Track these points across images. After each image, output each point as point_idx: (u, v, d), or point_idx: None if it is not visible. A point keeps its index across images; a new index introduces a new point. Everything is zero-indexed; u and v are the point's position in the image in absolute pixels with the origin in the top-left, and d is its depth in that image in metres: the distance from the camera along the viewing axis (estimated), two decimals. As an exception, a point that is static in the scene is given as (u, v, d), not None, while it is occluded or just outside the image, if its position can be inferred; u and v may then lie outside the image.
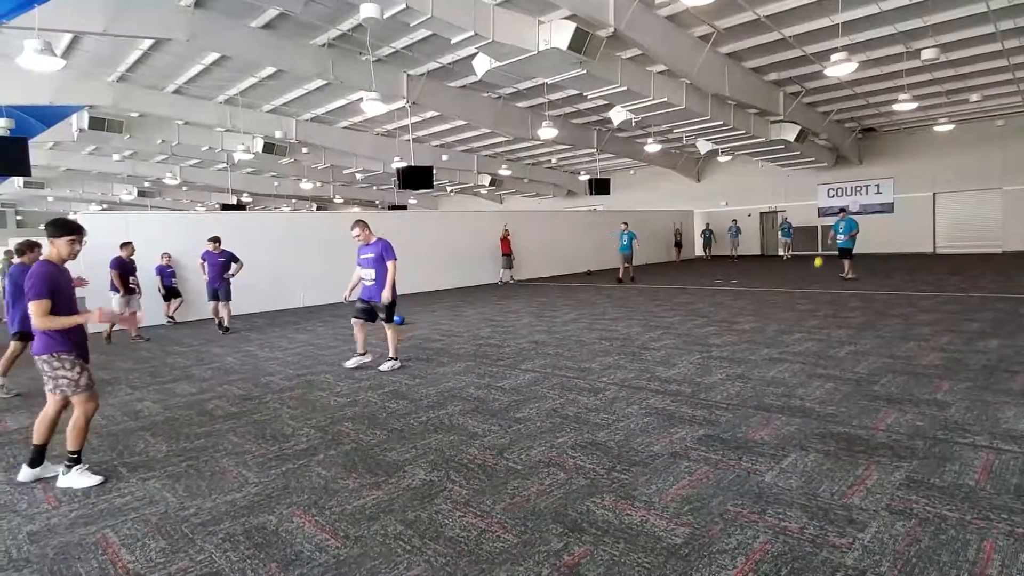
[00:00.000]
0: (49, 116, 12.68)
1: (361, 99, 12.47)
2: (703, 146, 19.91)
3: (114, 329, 9.53)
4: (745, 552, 2.48)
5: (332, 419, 4.67)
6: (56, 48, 10.00)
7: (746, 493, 3.01)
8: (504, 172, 26.03)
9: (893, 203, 21.93)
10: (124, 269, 9.19)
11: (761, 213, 25.60)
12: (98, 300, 8.52)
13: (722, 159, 22.62)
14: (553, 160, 26.91)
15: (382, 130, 19.58)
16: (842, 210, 15.02)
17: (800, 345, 6.54)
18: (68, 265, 3.62)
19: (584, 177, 27.38)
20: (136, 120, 16.14)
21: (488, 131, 18.94)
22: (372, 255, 6.22)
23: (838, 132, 20.25)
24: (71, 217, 3.81)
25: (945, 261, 17.63)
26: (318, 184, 28.57)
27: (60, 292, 3.42)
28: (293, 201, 35.74)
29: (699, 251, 25.76)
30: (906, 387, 4.73)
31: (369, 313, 6.37)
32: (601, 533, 2.69)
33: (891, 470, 3.19)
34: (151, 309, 10.59)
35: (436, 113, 16.37)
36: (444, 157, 22.87)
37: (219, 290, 9.68)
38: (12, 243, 18.63)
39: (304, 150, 20.87)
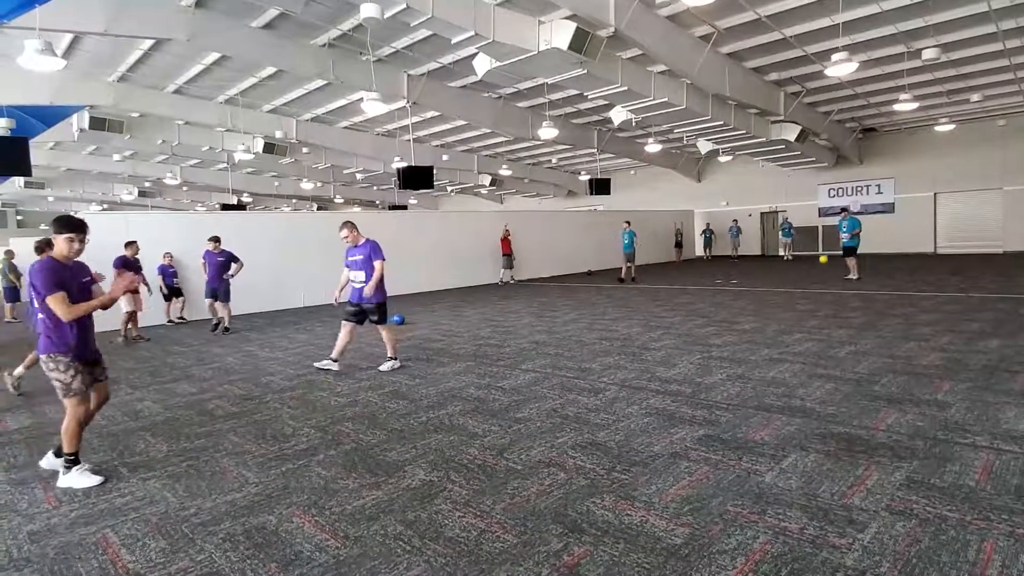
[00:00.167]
0: (50, 116, 12.69)
1: (361, 99, 12.47)
2: (704, 146, 19.90)
3: (128, 329, 9.55)
4: (745, 552, 2.48)
5: (332, 419, 4.67)
6: (57, 48, 10.00)
7: (746, 493, 3.01)
8: (504, 172, 26.03)
9: (894, 203, 21.92)
10: (128, 268, 9.20)
11: (762, 213, 25.59)
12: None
13: (723, 159, 22.61)
14: (553, 160, 26.91)
15: (382, 130, 19.59)
16: (844, 209, 14.99)
17: (800, 345, 6.53)
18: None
19: (584, 177, 27.38)
20: (136, 120, 16.14)
21: (488, 131, 18.94)
22: (361, 256, 6.13)
23: (839, 132, 20.24)
24: (76, 215, 3.76)
25: (946, 261, 17.61)
26: (318, 184, 28.58)
27: (67, 287, 3.38)
28: (293, 201, 35.76)
29: (699, 251, 25.76)
30: (906, 387, 4.73)
31: (359, 316, 6.28)
32: (601, 533, 2.69)
33: (891, 470, 3.19)
34: (153, 309, 10.61)
35: (436, 113, 16.37)
36: (444, 157, 22.88)
37: (218, 290, 9.68)
38: (12, 243, 18.67)
39: (304, 150, 20.87)
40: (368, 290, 6.05)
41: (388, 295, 6.40)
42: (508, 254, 17.00)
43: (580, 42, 9.53)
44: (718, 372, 5.54)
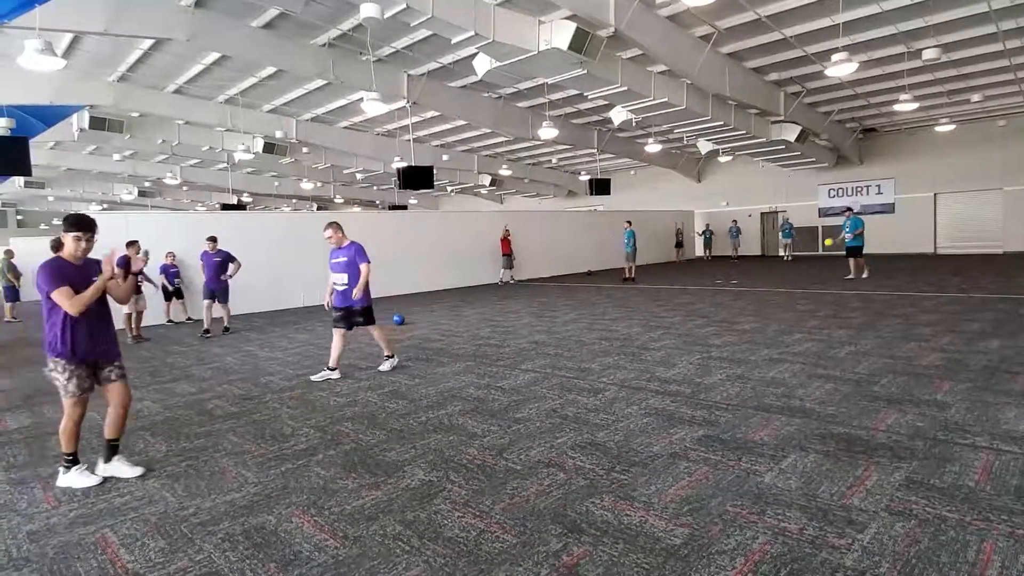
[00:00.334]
0: (50, 116, 12.69)
1: (361, 99, 12.48)
2: (704, 146, 19.89)
3: (138, 327, 9.56)
4: (744, 553, 2.48)
5: (331, 419, 4.67)
6: (57, 48, 10.00)
7: (745, 494, 3.01)
8: (504, 172, 26.03)
9: (894, 203, 21.91)
10: (129, 267, 9.20)
11: (762, 213, 25.58)
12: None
13: (723, 159, 22.60)
14: (553, 160, 26.91)
15: (382, 130, 19.59)
16: (848, 209, 14.97)
17: (800, 345, 6.53)
18: None
19: (584, 177, 27.38)
20: (136, 120, 16.14)
21: (488, 131, 18.94)
22: (344, 259, 5.95)
23: (839, 132, 20.23)
24: (87, 213, 3.70)
25: (946, 261, 17.61)
26: (318, 184, 28.58)
27: (72, 284, 3.35)
28: (293, 201, 35.75)
29: (699, 251, 25.76)
30: (906, 388, 4.72)
31: (348, 320, 6.08)
32: (600, 534, 2.69)
33: (891, 471, 3.19)
34: (153, 309, 10.62)
35: (436, 113, 16.37)
36: (444, 157, 22.88)
37: (216, 291, 9.63)
38: (12, 242, 18.67)
39: (304, 150, 20.87)
40: (357, 293, 5.89)
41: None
42: (508, 254, 17.01)
43: (580, 42, 9.53)
44: (718, 372, 5.54)
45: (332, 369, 6.14)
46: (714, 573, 2.35)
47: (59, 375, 3.44)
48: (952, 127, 18.75)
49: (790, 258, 22.01)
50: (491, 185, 27.75)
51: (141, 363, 7.52)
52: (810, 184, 23.69)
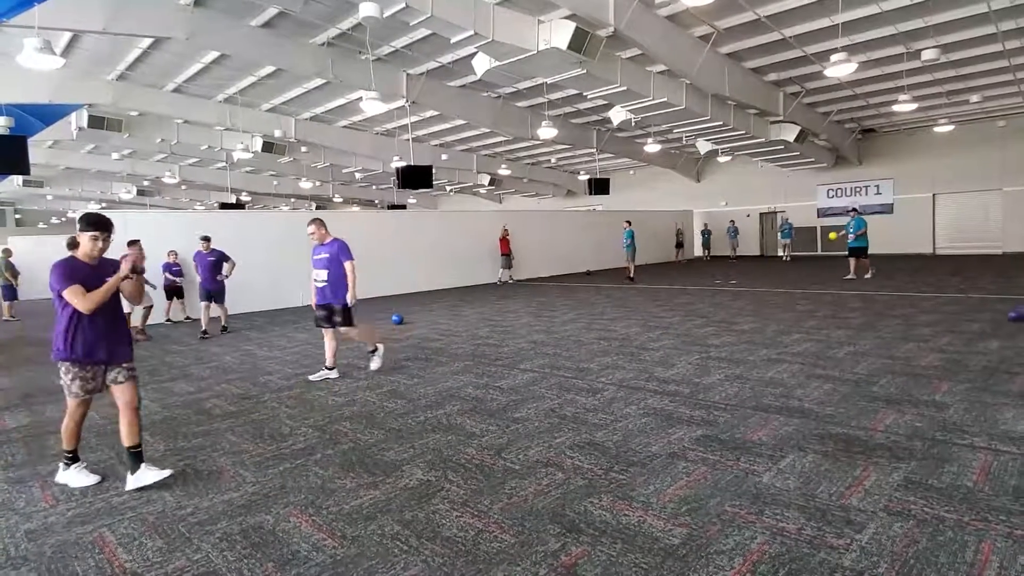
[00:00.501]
0: (48, 114, 12.65)
1: (360, 98, 12.45)
2: (703, 146, 19.90)
3: (145, 325, 9.57)
4: (743, 553, 2.48)
5: (330, 418, 4.67)
6: (56, 47, 9.99)
7: (744, 494, 3.01)
8: (503, 172, 26.02)
9: (893, 204, 21.92)
10: (133, 266, 9.20)
11: (761, 213, 25.59)
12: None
13: (722, 159, 22.61)
14: (553, 160, 26.90)
15: (381, 129, 19.57)
16: (853, 209, 14.89)
17: (799, 346, 6.53)
18: None
19: (584, 177, 27.38)
20: (135, 119, 16.12)
21: (488, 131, 18.92)
22: (327, 255, 5.86)
23: (838, 133, 20.24)
24: (103, 212, 3.64)
25: (945, 262, 17.63)
26: (317, 183, 28.56)
27: (84, 283, 3.31)
28: (292, 200, 35.73)
29: (698, 251, 25.76)
30: (905, 388, 4.73)
31: (329, 319, 5.99)
32: (599, 533, 2.69)
33: (889, 471, 3.19)
34: (154, 308, 10.59)
35: (436, 112, 16.37)
36: (443, 157, 22.86)
37: (212, 291, 9.58)
38: (10, 241, 18.64)
39: (303, 149, 20.86)
40: (350, 295, 5.85)
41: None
42: (507, 254, 17.01)
43: (579, 42, 9.52)
44: (716, 372, 5.54)
45: (330, 368, 6.12)
46: (712, 573, 2.35)
47: (63, 377, 3.44)
48: (951, 128, 18.76)
49: (789, 258, 22.02)
50: (490, 185, 27.75)
51: (139, 362, 7.40)
52: (809, 184, 23.71)
